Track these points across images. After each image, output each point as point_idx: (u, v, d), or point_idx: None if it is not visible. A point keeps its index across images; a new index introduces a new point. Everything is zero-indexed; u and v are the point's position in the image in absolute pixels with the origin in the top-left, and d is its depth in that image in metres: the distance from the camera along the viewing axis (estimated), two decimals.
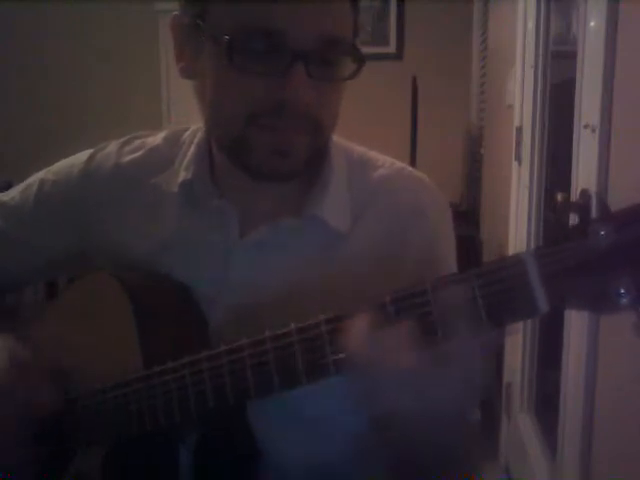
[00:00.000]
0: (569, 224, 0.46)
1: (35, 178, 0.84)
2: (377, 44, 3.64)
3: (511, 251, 2.15)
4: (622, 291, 0.43)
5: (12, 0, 3.64)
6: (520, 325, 1.87)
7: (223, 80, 0.64)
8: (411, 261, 0.71)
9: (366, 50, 0.65)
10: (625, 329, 0.43)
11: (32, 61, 3.78)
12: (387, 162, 0.78)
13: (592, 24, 1.25)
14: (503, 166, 2.34)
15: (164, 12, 3.56)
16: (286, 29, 0.59)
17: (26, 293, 0.99)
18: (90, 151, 0.82)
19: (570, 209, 0.46)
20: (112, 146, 0.82)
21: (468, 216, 3.26)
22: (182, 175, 0.73)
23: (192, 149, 0.75)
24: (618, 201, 0.47)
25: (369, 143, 0.80)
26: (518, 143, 2.06)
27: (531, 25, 1.95)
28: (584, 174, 1.29)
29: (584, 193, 0.46)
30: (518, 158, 2.07)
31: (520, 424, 2.08)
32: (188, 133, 0.79)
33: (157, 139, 0.81)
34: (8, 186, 0.87)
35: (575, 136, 1.35)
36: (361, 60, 0.64)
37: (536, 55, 1.93)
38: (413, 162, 3.14)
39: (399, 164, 0.78)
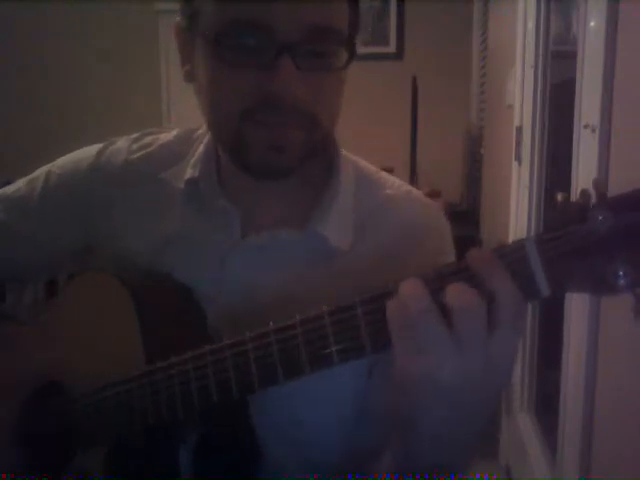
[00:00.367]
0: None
1: (41, 171, 0.83)
2: (377, 44, 3.63)
3: None
4: (620, 274, 0.44)
5: (12, 0, 3.64)
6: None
7: (215, 77, 0.64)
8: None
9: (366, 50, 0.65)
10: (625, 329, 0.44)
11: (32, 61, 3.79)
12: (396, 183, 0.78)
13: (592, 24, 1.25)
14: (503, 166, 2.34)
15: (164, 12, 3.57)
16: (272, 21, 0.59)
17: (26, 293, 0.99)
18: (100, 145, 0.82)
19: (570, 209, 0.46)
20: (123, 141, 0.82)
21: (468, 216, 3.27)
22: (189, 172, 0.74)
23: (201, 148, 0.76)
24: None
25: (369, 143, 0.80)
26: (518, 143, 2.06)
27: (531, 25, 1.95)
28: (584, 174, 1.29)
29: (584, 193, 0.46)
30: (518, 158, 2.07)
31: (520, 424, 2.08)
32: (200, 132, 0.80)
33: (169, 136, 0.81)
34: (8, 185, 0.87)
35: (575, 136, 1.36)
36: (353, 51, 0.64)
37: (536, 55, 1.93)
38: (413, 162, 3.14)
39: (407, 187, 0.78)
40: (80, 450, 0.69)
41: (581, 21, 1.37)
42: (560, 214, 0.46)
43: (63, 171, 0.81)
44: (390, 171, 0.82)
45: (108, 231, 0.78)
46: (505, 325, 0.47)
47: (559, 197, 0.47)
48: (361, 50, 0.64)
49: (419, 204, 0.77)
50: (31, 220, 0.82)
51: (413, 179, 3.11)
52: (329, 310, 0.52)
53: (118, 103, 3.78)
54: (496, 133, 2.72)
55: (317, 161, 0.72)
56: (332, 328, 0.52)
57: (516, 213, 2.10)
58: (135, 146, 0.81)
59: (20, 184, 0.84)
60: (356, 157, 0.79)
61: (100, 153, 0.81)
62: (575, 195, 0.46)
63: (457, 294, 0.47)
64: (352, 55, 0.64)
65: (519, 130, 2.05)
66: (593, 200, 0.45)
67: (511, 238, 2.16)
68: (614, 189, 0.45)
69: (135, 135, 0.82)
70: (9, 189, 0.84)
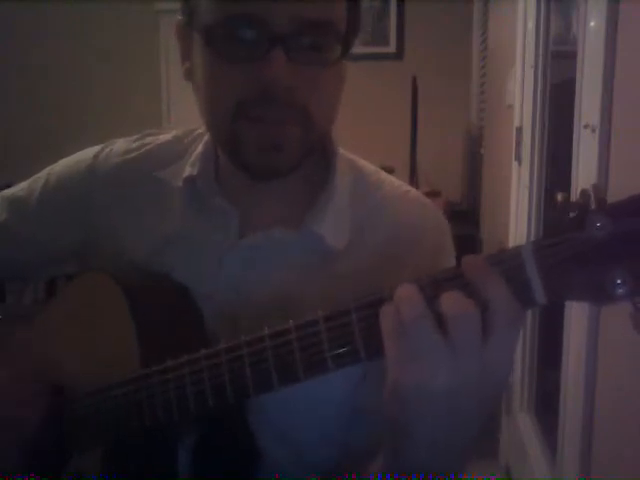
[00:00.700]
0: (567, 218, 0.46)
1: (42, 173, 0.84)
2: (377, 44, 3.63)
3: None
4: (618, 282, 0.43)
5: (12, 0, 3.64)
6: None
7: (210, 71, 0.64)
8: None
9: (366, 50, 0.65)
10: (625, 329, 0.43)
11: (32, 61, 3.78)
12: (394, 183, 0.77)
13: (592, 24, 1.25)
14: (503, 166, 2.34)
15: (164, 12, 3.56)
16: (267, 14, 0.59)
17: (26, 293, 0.99)
18: (98, 147, 0.82)
19: (570, 209, 0.46)
20: (122, 142, 0.82)
21: (468, 216, 3.27)
22: (188, 171, 0.74)
23: (200, 147, 0.76)
24: None
25: (369, 143, 0.80)
26: (518, 143, 2.06)
27: (531, 25, 1.95)
28: (584, 174, 1.29)
29: (584, 193, 0.45)
30: (518, 158, 2.07)
31: (520, 424, 2.08)
32: (200, 131, 0.80)
33: (168, 136, 0.82)
34: (8, 186, 0.87)
35: (575, 136, 1.36)
36: (348, 46, 0.64)
37: (536, 55, 1.93)
38: (413, 162, 3.14)
39: (406, 187, 0.78)
40: (78, 452, 0.69)
41: (581, 21, 1.37)
42: (560, 214, 0.46)
43: (61, 174, 0.82)
44: (390, 171, 0.82)
45: (108, 231, 0.78)
46: (500, 332, 0.46)
47: (559, 197, 0.47)
48: (361, 50, 0.64)
49: (417, 204, 0.76)
50: (30, 223, 0.82)
51: (413, 179, 3.11)
52: (324, 315, 0.52)
53: (118, 103, 3.77)
54: (496, 133, 2.72)
55: (315, 160, 0.72)
56: (327, 334, 0.51)
57: (516, 213, 2.10)
58: (133, 146, 0.81)
59: (22, 186, 0.85)
60: (354, 156, 0.78)
61: (97, 155, 0.81)
62: (575, 195, 0.46)
63: (452, 301, 0.46)
64: (346, 50, 0.64)
65: (519, 130, 2.05)
66: (593, 200, 0.45)
67: (511, 238, 2.16)
68: (614, 189, 0.45)
69: (135, 136, 0.82)
70: (11, 190, 0.85)
